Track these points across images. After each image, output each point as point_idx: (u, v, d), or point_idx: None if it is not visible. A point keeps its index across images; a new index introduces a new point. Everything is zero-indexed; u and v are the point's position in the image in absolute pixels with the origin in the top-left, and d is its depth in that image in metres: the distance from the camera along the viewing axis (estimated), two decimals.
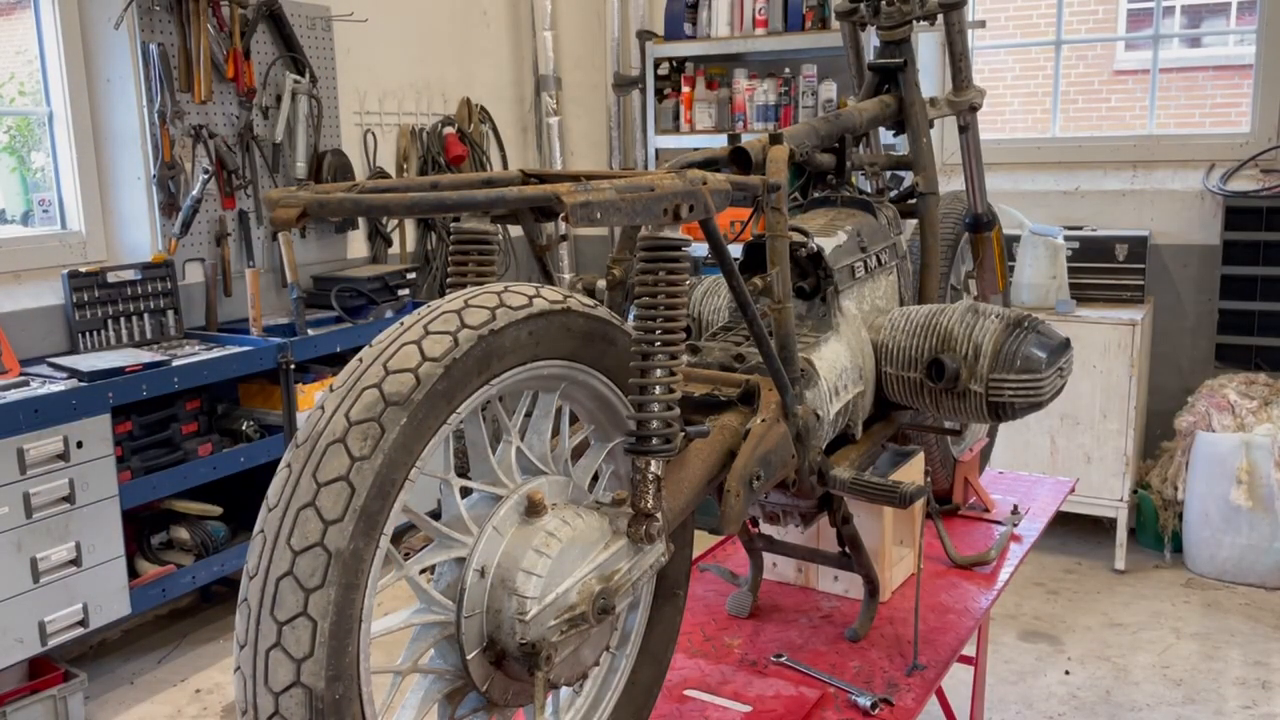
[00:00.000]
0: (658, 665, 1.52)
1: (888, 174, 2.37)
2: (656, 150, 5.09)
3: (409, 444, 1.00)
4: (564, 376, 1.24)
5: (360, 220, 4.48)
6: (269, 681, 0.94)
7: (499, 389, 1.12)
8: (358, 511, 0.95)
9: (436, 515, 1.27)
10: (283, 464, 1.00)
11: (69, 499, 2.98)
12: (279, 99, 4.01)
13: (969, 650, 2.38)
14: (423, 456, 1.03)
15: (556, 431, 1.32)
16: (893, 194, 2.29)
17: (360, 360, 1.04)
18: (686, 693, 1.82)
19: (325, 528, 0.94)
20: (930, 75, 4.82)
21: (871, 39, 3.12)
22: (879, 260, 2.01)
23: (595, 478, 1.38)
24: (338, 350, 3.86)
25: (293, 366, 3.63)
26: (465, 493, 1.20)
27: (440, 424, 1.04)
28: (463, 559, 1.14)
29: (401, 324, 1.07)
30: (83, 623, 3.05)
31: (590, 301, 1.25)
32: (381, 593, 1.05)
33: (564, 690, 1.38)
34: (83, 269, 3.49)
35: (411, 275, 4.38)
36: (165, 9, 3.61)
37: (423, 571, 1.12)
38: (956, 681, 2.68)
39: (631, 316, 1.37)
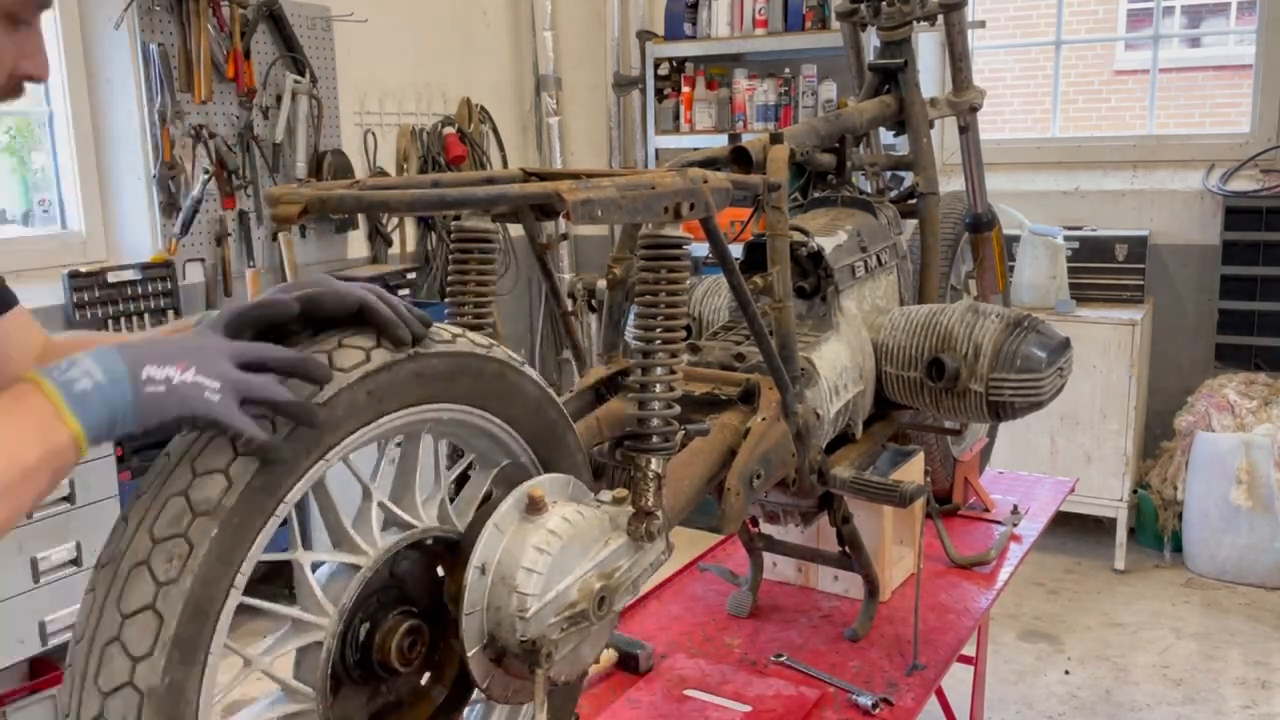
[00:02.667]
0: None
1: (888, 174, 2.37)
2: (656, 150, 5.08)
3: (226, 554, 0.90)
4: (429, 419, 1.10)
5: (360, 220, 4.48)
6: None
7: (341, 456, 1.01)
8: (168, 643, 0.86)
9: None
10: (87, 587, 0.91)
11: (69, 499, 2.97)
12: (279, 99, 4.01)
13: (969, 650, 2.38)
14: (250, 557, 0.93)
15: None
16: (893, 194, 2.29)
17: (168, 455, 0.92)
18: (686, 693, 1.82)
19: (134, 665, 0.85)
20: (930, 76, 4.82)
21: (872, 39, 3.12)
22: (879, 260, 2.01)
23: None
24: None
25: None
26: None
27: (267, 518, 0.93)
28: (321, 644, 1.03)
29: None
30: None
31: (449, 334, 1.10)
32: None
33: None
34: (83, 269, 3.49)
35: (411, 275, 4.39)
36: (165, 9, 3.61)
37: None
38: (956, 681, 2.68)
39: (632, 315, 1.37)
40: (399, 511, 1.11)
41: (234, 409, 0.87)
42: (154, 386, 0.85)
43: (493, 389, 1.14)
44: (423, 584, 1.15)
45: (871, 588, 2.02)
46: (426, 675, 1.18)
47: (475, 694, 1.22)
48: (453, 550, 1.16)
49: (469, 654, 1.15)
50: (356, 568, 1.05)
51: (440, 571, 1.17)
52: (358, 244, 4.54)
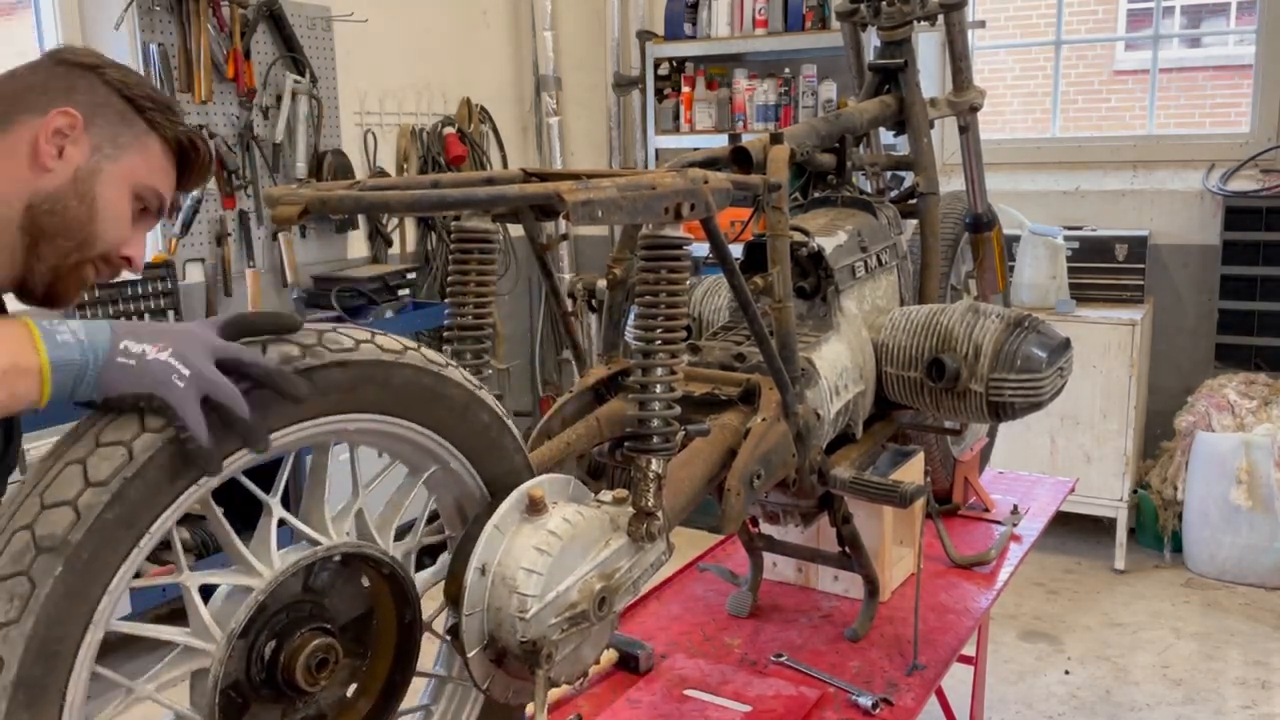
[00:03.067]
0: None
1: (888, 174, 2.37)
2: (656, 150, 5.08)
3: (76, 592, 0.87)
4: (330, 431, 1.04)
5: (360, 220, 4.47)
6: None
7: (221, 480, 0.98)
8: (9, 687, 0.84)
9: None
10: None
11: None
12: (279, 99, 4.00)
13: (969, 650, 2.38)
14: (111, 590, 0.90)
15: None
16: (893, 194, 2.29)
17: (22, 485, 0.89)
18: (686, 693, 1.82)
19: None
20: (931, 76, 4.82)
21: (872, 39, 3.12)
22: (879, 260, 2.01)
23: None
24: None
25: None
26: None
27: (128, 549, 0.90)
28: (206, 670, 1.00)
29: (76, 428, 0.91)
30: None
31: (352, 341, 1.03)
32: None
33: None
34: None
35: (412, 275, 4.38)
36: (165, 9, 3.61)
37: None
38: (956, 681, 2.68)
39: (632, 315, 1.37)
40: (303, 528, 1.07)
41: (192, 402, 0.89)
42: (125, 359, 0.88)
43: (405, 396, 1.07)
44: (345, 597, 1.10)
45: (871, 588, 2.02)
46: (353, 687, 1.14)
47: (404, 705, 1.19)
48: (373, 564, 1.11)
49: (469, 655, 1.15)
50: (250, 589, 1.02)
51: (366, 582, 1.12)
52: (358, 244, 4.54)
